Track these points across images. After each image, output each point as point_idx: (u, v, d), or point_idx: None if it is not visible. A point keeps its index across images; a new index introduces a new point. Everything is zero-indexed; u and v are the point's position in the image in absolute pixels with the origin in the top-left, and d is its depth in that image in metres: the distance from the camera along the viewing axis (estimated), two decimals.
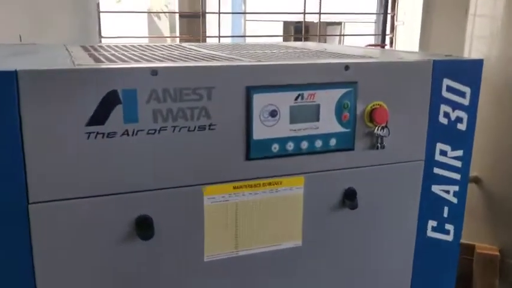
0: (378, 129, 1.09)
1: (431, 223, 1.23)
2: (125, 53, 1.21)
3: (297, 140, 1.04)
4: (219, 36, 2.66)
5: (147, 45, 1.48)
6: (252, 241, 1.05)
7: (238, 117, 0.98)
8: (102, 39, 2.43)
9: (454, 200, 1.24)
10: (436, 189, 1.21)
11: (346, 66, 1.05)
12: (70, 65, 0.94)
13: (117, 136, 0.90)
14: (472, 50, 2.10)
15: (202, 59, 1.09)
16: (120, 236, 0.94)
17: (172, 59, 1.09)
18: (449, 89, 1.16)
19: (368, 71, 1.07)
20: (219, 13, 2.55)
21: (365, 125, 1.09)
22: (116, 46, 1.45)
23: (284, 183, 1.06)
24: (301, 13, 2.80)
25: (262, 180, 1.04)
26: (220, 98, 0.96)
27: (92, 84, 0.87)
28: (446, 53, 1.31)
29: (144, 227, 0.94)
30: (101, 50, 1.27)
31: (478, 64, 1.18)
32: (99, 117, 0.89)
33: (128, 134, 0.91)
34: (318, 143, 1.06)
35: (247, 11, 8.67)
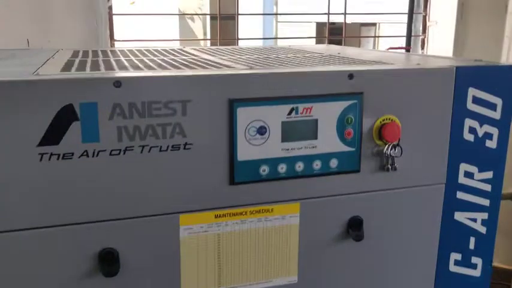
0: (388, 148, 0.93)
1: (455, 256, 1.05)
2: (116, 58, 1.10)
3: (290, 161, 0.89)
4: (236, 39, 2.53)
5: (145, 50, 1.36)
6: (238, 278, 0.91)
7: (219, 135, 0.84)
8: (115, 43, 2.33)
9: (482, 230, 1.06)
10: (460, 216, 1.03)
11: (350, 75, 0.89)
12: (26, 75, 0.82)
13: (75, 157, 0.78)
14: (511, 54, 1.89)
15: (186, 67, 0.96)
16: (78, 273, 0.81)
17: (154, 66, 0.96)
18: (476, 100, 0.98)
19: (376, 79, 0.91)
20: (237, 14, 2.42)
21: (373, 143, 0.93)
22: (114, 51, 1.33)
23: (276, 211, 0.91)
24: (325, 14, 2.63)
25: (249, 207, 0.89)
26: (197, 112, 0.82)
27: (45, 97, 0.75)
28: (479, 57, 1.13)
29: (108, 262, 0.82)
30: (96, 56, 1.16)
31: (510, 71, 1.00)
32: (53, 135, 0.76)
33: (87, 155, 0.79)
34: (316, 165, 0.91)
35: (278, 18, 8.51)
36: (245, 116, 0.85)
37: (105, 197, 0.81)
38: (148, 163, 0.82)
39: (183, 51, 1.38)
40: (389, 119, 0.93)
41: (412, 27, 2.66)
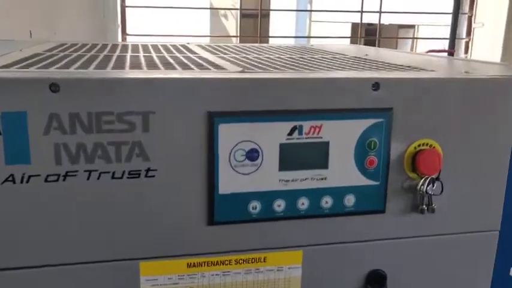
0: (425, 183, 0.70)
1: None
2: (96, 53, 0.90)
3: (291, 196, 0.67)
4: (259, 36, 2.32)
5: (142, 45, 1.17)
6: None
7: (194, 160, 0.63)
8: (127, 37, 2.16)
9: None
10: None
11: (376, 84, 0.66)
12: None
13: None
14: None
15: (164, 66, 0.75)
16: None
17: (122, 65, 0.76)
18: None
19: (411, 91, 0.68)
20: (260, 10, 2.20)
21: (404, 175, 0.70)
22: (106, 45, 1.14)
23: (270, 260, 0.69)
24: (358, 11, 2.39)
25: (234, 255, 0.68)
26: (164, 128, 0.61)
27: None
28: None
29: None
30: (83, 51, 0.96)
31: None
32: None
33: (13, 181, 0.59)
34: (326, 202, 0.68)
35: (312, 14, 8.27)
36: (230, 135, 0.63)
37: (37, 237, 0.61)
38: (96, 194, 0.61)
39: (184, 47, 1.17)
40: (427, 144, 0.70)
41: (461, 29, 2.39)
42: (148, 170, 0.62)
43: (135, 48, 1.08)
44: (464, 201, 0.73)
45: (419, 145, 0.70)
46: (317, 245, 0.70)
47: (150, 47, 1.11)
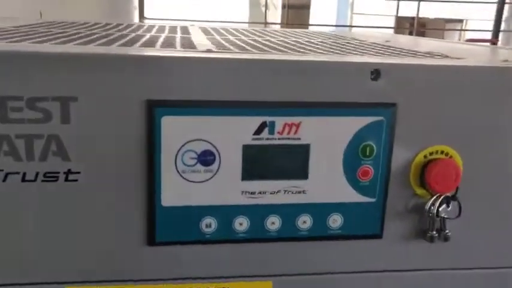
0: (436, 203, 0.53)
1: None
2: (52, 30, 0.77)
3: (257, 212, 0.52)
4: (282, 23, 2.17)
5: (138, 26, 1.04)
6: None
7: (129, 161, 0.49)
8: (146, 21, 2.04)
9: None
10: None
11: (376, 71, 0.50)
12: None
13: None
14: None
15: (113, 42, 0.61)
16: None
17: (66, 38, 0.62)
18: None
19: (422, 81, 0.51)
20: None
21: (408, 191, 0.54)
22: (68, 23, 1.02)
23: None
24: None
25: (180, 284, 0.53)
26: (88, 120, 0.47)
27: None
28: None
29: None
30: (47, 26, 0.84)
31: None
32: None
33: None
34: (305, 222, 0.53)
35: (354, 6, 8.01)
36: (176, 131, 0.48)
37: None
38: (2, 200, 0.48)
39: (173, 28, 1.03)
40: (441, 152, 0.53)
41: (503, 22, 2.15)
42: (68, 172, 0.48)
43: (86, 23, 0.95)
44: (487, 228, 0.56)
45: (431, 153, 0.53)
46: (291, 275, 0.55)
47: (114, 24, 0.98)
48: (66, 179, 0.48)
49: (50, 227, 0.49)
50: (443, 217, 0.54)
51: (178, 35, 0.79)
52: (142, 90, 0.47)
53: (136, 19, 2.01)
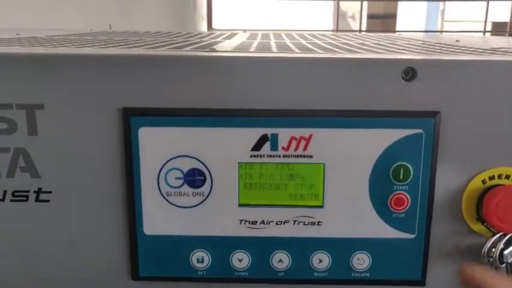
0: (499, 243, 0.40)
1: None
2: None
3: (260, 246, 0.42)
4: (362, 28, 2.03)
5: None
6: None
7: (105, 180, 0.41)
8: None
9: None
10: None
11: (409, 70, 0.39)
12: None
13: None
14: None
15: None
16: None
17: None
18: None
19: (476, 83, 0.39)
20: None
21: (461, 225, 0.41)
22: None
23: None
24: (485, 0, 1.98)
25: None
26: (58, 131, 0.40)
27: None
28: None
29: None
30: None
31: None
32: None
33: None
34: (321, 261, 0.42)
35: (445, 16, 7.59)
36: (157, 145, 0.40)
37: None
38: None
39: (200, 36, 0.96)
40: (506, 176, 0.40)
41: None
42: (39, 191, 0.42)
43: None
44: None
45: (491, 177, 0.41)
46: None
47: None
48: (37, 199, 0.42)
49: (20, 252, 0.43)
50: (510, 262, 0.41)
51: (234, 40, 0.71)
52: (118, 97, 0.40)
53: (203, 28, 1.99)
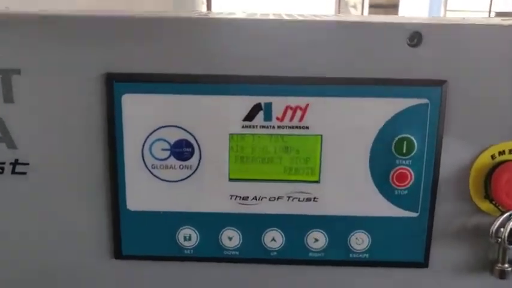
0: (509, 223, 0.37)
1: None
2: None
3: (251, 224, 0.39)
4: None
5: None
6: None
7: (86, 152, 0.38)
8: None
9: None
10: None
11: (415, 35, 0.36)
12: None
13: None
14: None
15: None
16: None
17: None
18: None
19: (486, 48, 0.36)
20: None
21: (467, 204, 0.39)
22: None
23: None
24: None
25: None
26: (36, 99, 0.38)
27: None
28: None
29: None
30: None
31: None
32: None
33: None
34: (316, 240, 0.39)
35: (447, 6, 7.54)
36: (142, 113, 0.37)
37: None
38: None
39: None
40: None
41: None
42: (16, 162, 0.39)
43: None
44: None
45: (501, 152, 0.38)
46: None
47: None
48: (13, 172, 0.39)
49: None
50: None
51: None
52: (100, 61, 0.37)
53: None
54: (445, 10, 7.66)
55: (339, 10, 4.12)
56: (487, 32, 0.36)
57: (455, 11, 7.60)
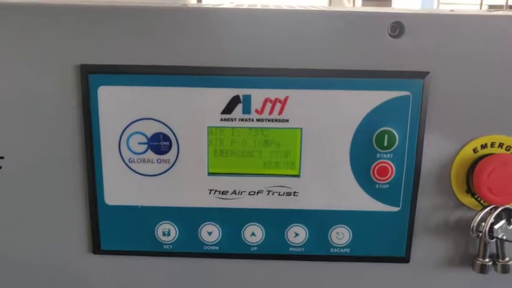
0: (490, 217, 0.37)
1: None
2: None
3: (231, 219, 0.39)
4: None
5: None
6: None
7: (63, 146, 0.38)
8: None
9: None
10: None
11: (396, 25, 0.35)
12: None
13: None
14: None
15: None
16: None
17: None
18: None
19: (465, 39, 0.35)
20: None
21: (449, 198, 0.38)
22: None
23: None
24: None
25: None
26: (8, 90, 0.37)
27: None
28: None
29: None
30: None
31: None
32: None
33: None
34: (297, 235, 0.39)
35: None
36: (118, 105, 0.36)
37: None
38: None
39: None
40: (499, 145, 0.37)
41: None
42: None
43: None
44: None
45: (483, 146, 0.37)
46: None
47: None
48: None
49: None
50: (502, 239, 0.38)
51: None
52: (75, 52, 0.36)
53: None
54: (439, 3, 7.66)
55: (330, 2, 4.10)
56: (470, 23, 0.35)
57: (448, 4, 7.60)
